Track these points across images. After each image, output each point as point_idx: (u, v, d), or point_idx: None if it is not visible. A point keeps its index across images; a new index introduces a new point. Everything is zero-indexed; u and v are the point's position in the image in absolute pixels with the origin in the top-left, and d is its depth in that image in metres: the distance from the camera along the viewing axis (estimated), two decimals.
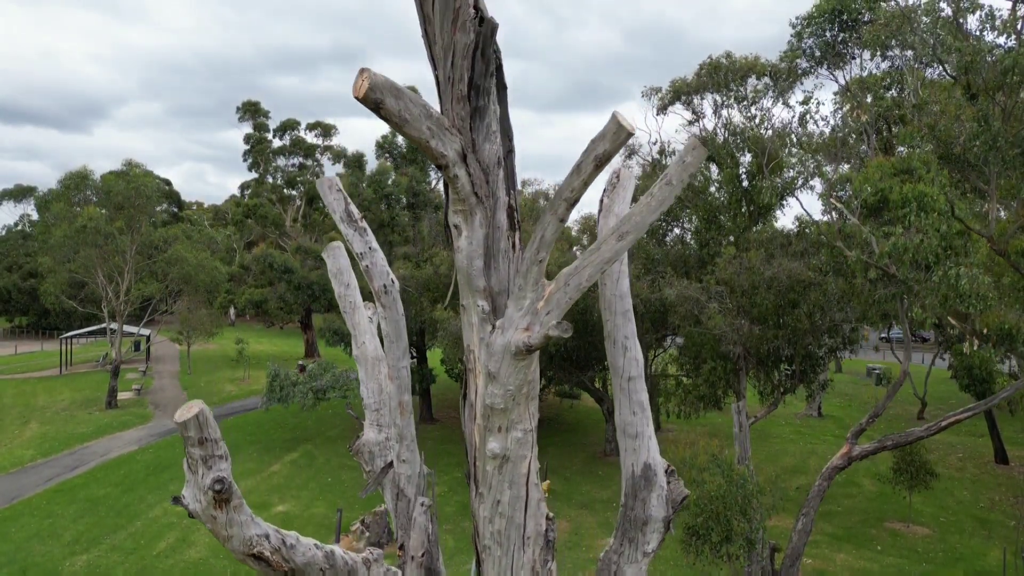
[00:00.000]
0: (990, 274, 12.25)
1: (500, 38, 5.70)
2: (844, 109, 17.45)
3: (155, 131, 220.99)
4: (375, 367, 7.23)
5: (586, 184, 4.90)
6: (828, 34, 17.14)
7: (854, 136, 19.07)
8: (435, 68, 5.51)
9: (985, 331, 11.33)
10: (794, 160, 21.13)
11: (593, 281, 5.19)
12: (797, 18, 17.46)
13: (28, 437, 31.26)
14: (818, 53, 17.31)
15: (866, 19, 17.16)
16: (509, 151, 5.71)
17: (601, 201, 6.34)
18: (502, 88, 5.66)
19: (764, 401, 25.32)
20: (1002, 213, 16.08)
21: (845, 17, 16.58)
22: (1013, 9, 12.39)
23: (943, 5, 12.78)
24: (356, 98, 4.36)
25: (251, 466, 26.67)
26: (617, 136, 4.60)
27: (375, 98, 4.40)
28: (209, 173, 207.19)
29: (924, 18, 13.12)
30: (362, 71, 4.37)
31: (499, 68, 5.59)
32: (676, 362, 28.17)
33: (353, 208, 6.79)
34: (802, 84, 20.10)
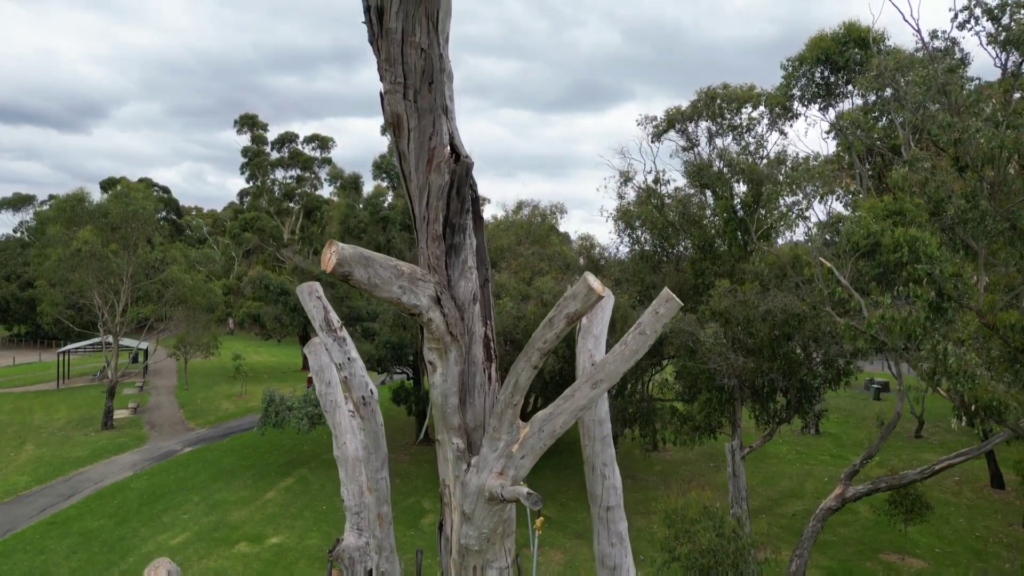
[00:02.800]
0: (979, 338, 12.23)
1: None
2: (833, 168, 17.42)
3: (154, 131, 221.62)
4: (355, 468, 7.18)
5: (558, 337, 4.88)
6: (819, 76, 17.11)
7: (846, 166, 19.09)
8: (411, 203, 5.49)
9: (973, 407, 11.32)
10: (785, 202, 21.17)
11: (568, 427, 5.18)
12: (787, 60, 17.45)
13: (24, 460, 31.22)
14: (808, 96, 17.29)
15: (858, 58, 17.12)
16: (485, 281, 5.68)
17: (580, 321, 6.32)
18: (478, 219, 5.63)
19: (760, 427, 25.30)
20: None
21: (836, 60, 16.53)
22: (1004, 76, 12.37)
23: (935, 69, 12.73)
24: (325, 271, 4.34)
25: (245, 494, 26.61)
26: (588, 298, 4.59)
27: (343, 271, 4.38)
28: (208, 173, 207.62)
29: (915, 86, 13.07)
30: (330, 244, 4.35)
31: (475, 201, 5.56)
32: (672, 388, 28.13)
33: (333, 316, 6.76)
34: (793, 125, 20.07)
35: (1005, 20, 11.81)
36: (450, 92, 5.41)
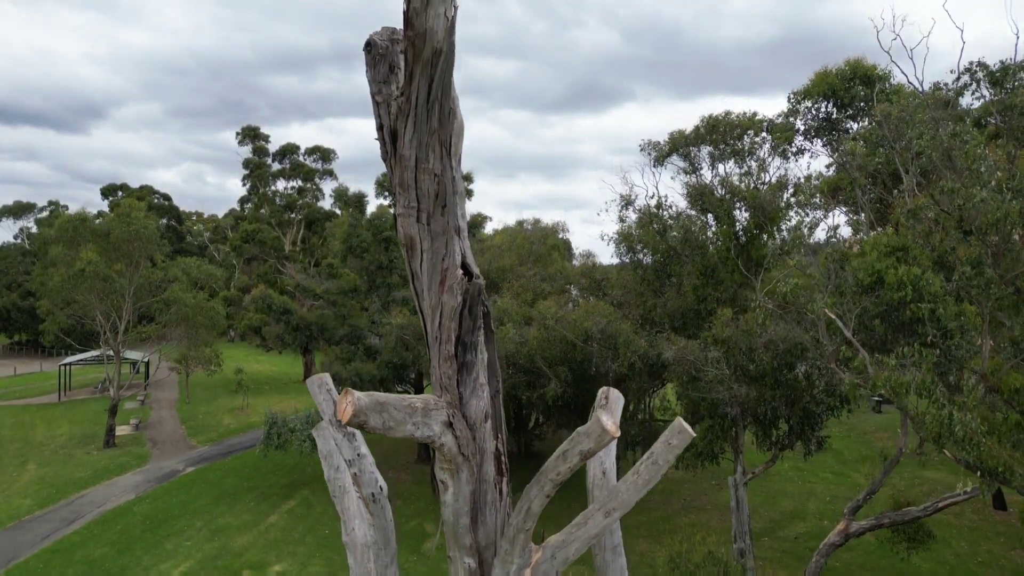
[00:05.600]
0: (985, 395, 12.28)
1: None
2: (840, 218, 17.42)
3: (153, 132, 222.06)
4: (364, 555, 7.19)
5: (571, 470, 4.89)
6: (823, 109, 17.14)
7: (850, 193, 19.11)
8: (423, 321, 5.49)
9: (979, 473, 11.35)
10: (790, 224, 21.17)
11: (580, 555, 5.19)
12: (793, 93, 17.49)
13: (26, 481, 31.23)
14: (812, 131, 17.32)
15: (862, 95, 17.15)
16: (496, 392, 5.68)
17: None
18: (489, 333, 5.63)
19: (761, 450, 25.30)
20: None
21: (841, 96, 16.56)
22: (1007, 139, 12.38)
23: (941, 133, 12.75)
24: (340, 420, 4.36)
25: (248, 518, 26.60)
26: (601, 438, 4.60)
27: (359, 421, 4.39)
28: (208, 174, 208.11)
29: (920, 140, 13.12)
30: (345, 393, 4.36)
31: (486, 316, 5.56)
32: (673, 410, 28.12)
33: None
34: (797, 160, 20.13)
35: (1008, 85, 11.85)
36: (462, 211, 5.41)
